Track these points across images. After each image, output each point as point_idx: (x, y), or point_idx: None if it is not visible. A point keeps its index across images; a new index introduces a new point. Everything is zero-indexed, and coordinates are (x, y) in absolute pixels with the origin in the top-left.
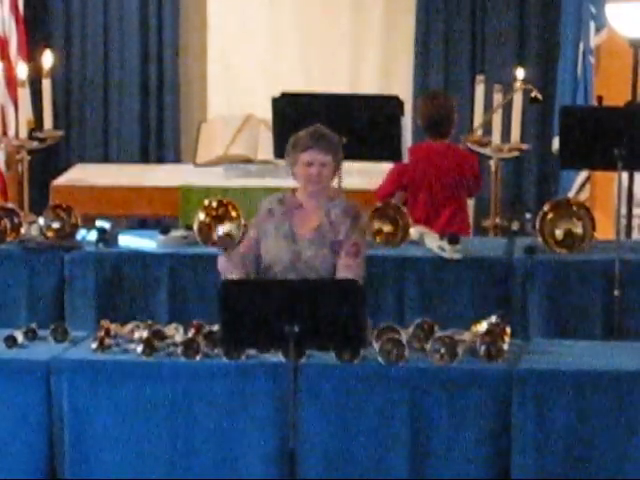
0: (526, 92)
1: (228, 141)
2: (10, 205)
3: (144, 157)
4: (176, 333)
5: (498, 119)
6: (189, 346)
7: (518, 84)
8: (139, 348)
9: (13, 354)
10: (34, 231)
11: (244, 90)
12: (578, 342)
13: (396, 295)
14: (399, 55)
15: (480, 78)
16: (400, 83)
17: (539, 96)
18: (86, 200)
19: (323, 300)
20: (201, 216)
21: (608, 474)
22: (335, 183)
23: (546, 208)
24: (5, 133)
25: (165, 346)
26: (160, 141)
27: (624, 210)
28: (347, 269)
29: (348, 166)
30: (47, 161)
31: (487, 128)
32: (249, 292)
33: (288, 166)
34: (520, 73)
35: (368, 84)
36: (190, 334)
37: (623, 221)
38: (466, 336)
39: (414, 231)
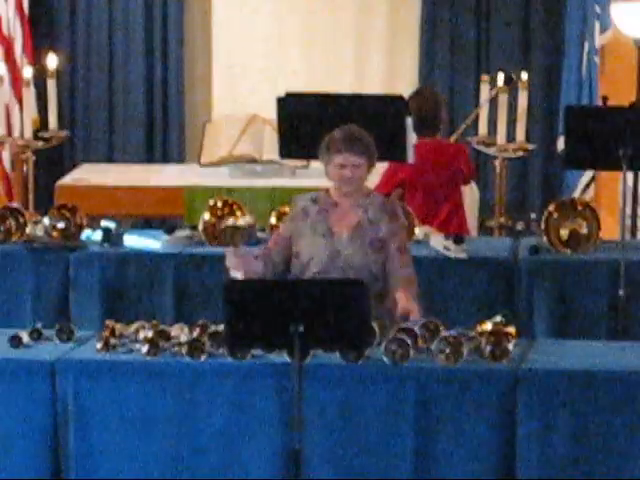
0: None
1: (233, 141)
2: (15, 205)
3: (149, 157)
4: (181, 333)
5: (503, 119)
6: (194, 346)
7: (520, 84)
8: (144, 348)
9: (18, 354)
10: (39, 231)
11: (249, 90)
12: (583, 342)
13: None
14: (404, 55)
15: (485, 78)
16: (405, 83)
17: (513, 76)
18: (91, 200)
19: (328, 300)
20: (206, 216)
21: (613, 474)
22: None
23: (551, 208)
24: (10, 133)
25: (170, 346)
26: (165, 141)
27: (629, 210)
28: (405, 266)
29: None
30: (52, 161)
31: (492, 128)
32: (254, 292)
33: (322, 164)
34: (524, 75)
35: (373, 84)
36: (195, 334)
37: (628, 221)
38: (471, 336)
39: (419, 231)
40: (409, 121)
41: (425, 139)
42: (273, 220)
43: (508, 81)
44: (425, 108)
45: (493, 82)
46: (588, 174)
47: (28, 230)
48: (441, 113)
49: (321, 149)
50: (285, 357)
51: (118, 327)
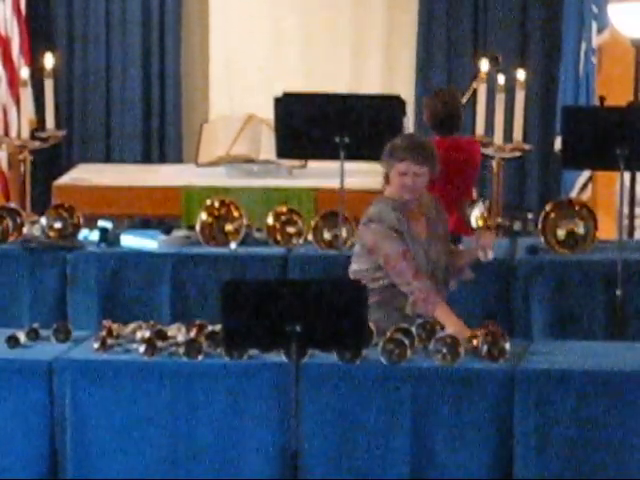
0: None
1: (230, 141)
2: (12, 205)
3: (146, 157)
4: (178, 333)
5: (500, 119)
6: (191, 346)
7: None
8: (141, 348)
9: (15, 354)
10: (36, 231)
11: (246, 90)
12: (580, 342)
13: None
14: (401, 55)
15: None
16: (402, 83)
17: (498, 56)
18: (88, 200)
19: (325, 300)
20: (203, 216)
21: (610, 474)
22: (337, 182)
23: (548, 208)
24: (7, 133)
25: (167, 346)
26: (162, 141)
27: (626, 210)
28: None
29: (349, 166)
30: (49, 161)
31: (489, 128)
32: (251, 292)
33: (384, 169)
34: (521, 75)
35: (370, 84)
36: (192, 334)
37: (625, 221)
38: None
39: None
40: (406, 121)
41: (444, 138)
42: (270, 220)
43: (494, 62)
44: (444, 109)
45: (490, 82)
46: (585, 174)
47: (25, 230)
48: (460, 113)
49: (383, 155)
50: (282, 357)
51: (115, 327)
